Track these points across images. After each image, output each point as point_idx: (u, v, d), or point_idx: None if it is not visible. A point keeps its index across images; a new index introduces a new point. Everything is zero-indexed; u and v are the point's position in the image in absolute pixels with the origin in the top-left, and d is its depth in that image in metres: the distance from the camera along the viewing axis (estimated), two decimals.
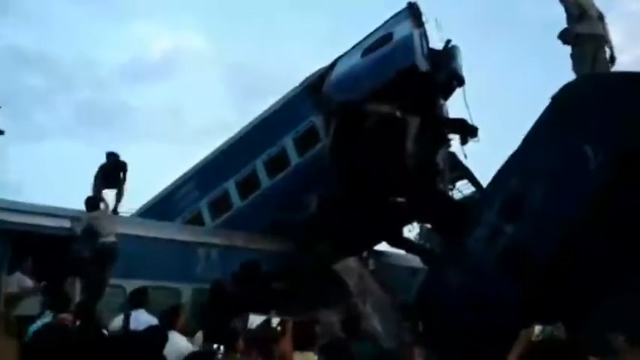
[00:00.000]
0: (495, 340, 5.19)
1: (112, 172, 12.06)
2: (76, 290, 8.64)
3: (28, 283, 8.23)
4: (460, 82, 12.62)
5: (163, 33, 55.52)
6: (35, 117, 46.42)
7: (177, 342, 6.12)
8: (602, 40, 9.25)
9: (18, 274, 8.24)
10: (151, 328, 5.92)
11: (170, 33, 53.26)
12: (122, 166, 12.24)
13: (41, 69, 48.58)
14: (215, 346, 6.23)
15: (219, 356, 6.01)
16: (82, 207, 9.49)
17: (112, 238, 8.88)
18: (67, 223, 8.99)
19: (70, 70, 47.60)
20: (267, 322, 4.36)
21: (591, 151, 7.88)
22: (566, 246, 7.60)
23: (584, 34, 9.09)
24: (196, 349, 6.46)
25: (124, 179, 12.21)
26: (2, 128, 10.89)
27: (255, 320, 4.75)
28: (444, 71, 12.38)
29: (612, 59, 9.30)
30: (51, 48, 53.52)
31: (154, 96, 54.09)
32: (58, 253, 8.54)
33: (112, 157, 12.20)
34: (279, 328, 3.97)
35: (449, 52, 12.74)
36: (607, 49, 9.31)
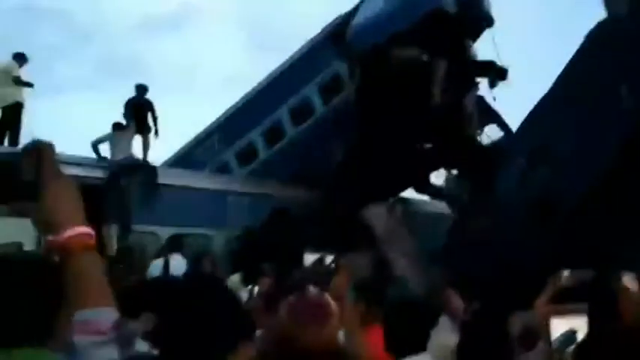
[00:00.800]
0: (524, 286, 5.24)
1: (139, 109, 11.52)
2: (114, 236, 8.97)
3: None
4: (489, 22, 12.23)
5: None
6: (55, 71, 46.50)
7: None
8: None
9: None
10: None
11: None
12: (149, 106, 11.63)
13: (57, 24, 48.25)
14: (249, 287, 6.55)
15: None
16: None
17: (126, 155, 9.65)
18: (98, 173, 9.24)
19: (85, 25, 47.17)
20: (321, 260, 4.44)
21: (626, 91, 7.64)
22: (598, 189, 7.49)
23: None
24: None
25: (154, 123, 11.59)
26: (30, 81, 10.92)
27: (309, 258, 4.85)
28: (471, 12, 11.98)
29: None
30: (65, 3, 52.88)
31: (169, 49, 53.52)
32: (93, 202, 8.80)
33: (140, 89, 11.62)
34: (333, 265, 4.04)
35: None
36: None
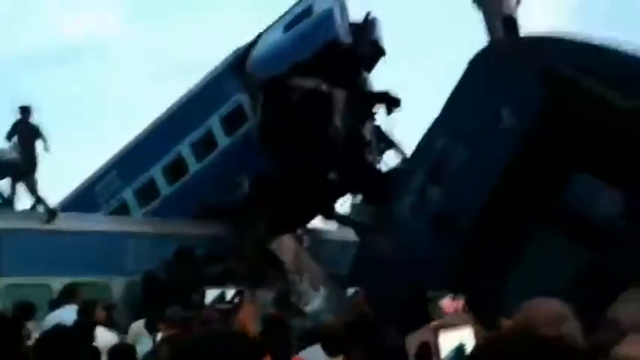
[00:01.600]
0: (424, 306, 5.42)
1: (26, 133, 9.87)
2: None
3: None
4: (382, 53, 12.85)
5: (77, 14, 51.94)
6: None
7: (99, 335, 6.09)
8: None
9: None
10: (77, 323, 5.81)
11: (85, 14, 49.93)
12: (36, 132, 9.95)
13: None
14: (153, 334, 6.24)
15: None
16: None
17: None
18: None
19: None
20: (222, 295, 4.35)
21: (506, 113, 8.28)
22: (487, 206, 7.98)
23: None
24: (123, 341, 6.46)
25: (43, 142, 9.92)
26: None
27: (211, 294, 4.73)
28: (365, 43, 12.53)
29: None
30: None
31: (67, 82, 50.84)
32: None
33: (24, 111, 9.99)
34: (235, 299, 3.97)
35: (369, 25, 12.88)
36: None
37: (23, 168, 9.51)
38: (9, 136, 9.88)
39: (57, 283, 8.02)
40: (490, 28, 9.55)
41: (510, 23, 9.56)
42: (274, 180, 10.98)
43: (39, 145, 9.97)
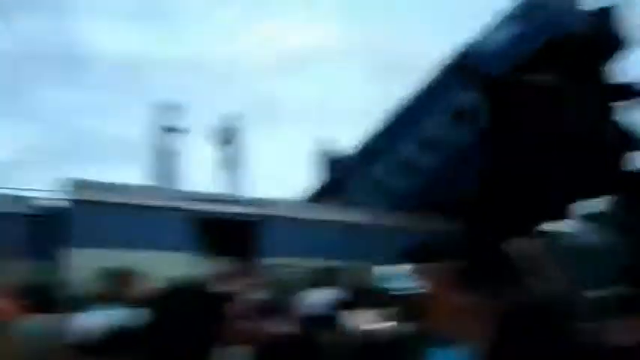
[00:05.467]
0: None
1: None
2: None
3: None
4: (624, 44, 11.66)
5: (299, 27, 56.44)
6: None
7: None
8: None
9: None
10: None
11: (305, 26, 54.12)
12: None
13: (196, 69, 51.31)
14: None
15: None
16: None
17: None
18: (252, 210, 9.83)
19: (221, 66, 49.81)
20: None
21: None
22: None
23: None
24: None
25: None
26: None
27: None
28: (604, 34, 11.51)
29: None
30: (203, 48, 56.07)
31: (298, 88, 55.26)
32: (245, 237, 9.41)
33: None
34: None
35: (608, 13, 11.77)
36: None
37: None
38: None
39: (309, 265, 8.94)
40: None
41: None
42: (505, 180, 10.65)
43: None
